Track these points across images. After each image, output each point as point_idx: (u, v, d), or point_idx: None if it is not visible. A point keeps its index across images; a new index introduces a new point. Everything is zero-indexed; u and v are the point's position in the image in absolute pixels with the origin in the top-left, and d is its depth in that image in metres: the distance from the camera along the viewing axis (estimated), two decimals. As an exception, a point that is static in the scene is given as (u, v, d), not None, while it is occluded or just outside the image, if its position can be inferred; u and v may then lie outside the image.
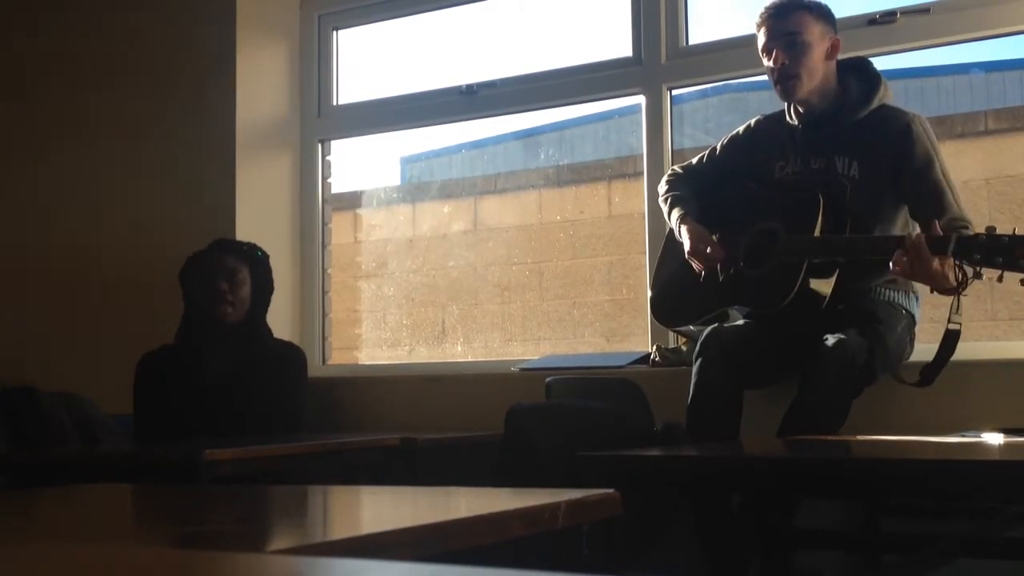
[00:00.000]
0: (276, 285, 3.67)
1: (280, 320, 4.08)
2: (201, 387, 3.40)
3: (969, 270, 2.53)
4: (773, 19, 3.01)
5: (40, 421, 3.26)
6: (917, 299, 3.01)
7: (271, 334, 3.57)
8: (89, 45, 4.49)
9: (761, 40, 3.03)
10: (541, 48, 4.48)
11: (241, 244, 3.63)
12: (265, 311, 3.56)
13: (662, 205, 3.25)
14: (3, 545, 1.25)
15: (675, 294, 3.19)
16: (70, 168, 4.47)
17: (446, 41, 4.59)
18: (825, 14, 3.03)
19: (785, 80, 2.98)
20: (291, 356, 3.55)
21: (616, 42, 3.93)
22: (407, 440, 3.23)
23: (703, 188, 3.22)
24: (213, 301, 3.43)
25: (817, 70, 2.98)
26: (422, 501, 1.66)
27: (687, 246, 3.06)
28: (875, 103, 2.98)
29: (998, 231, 2.49)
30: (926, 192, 2.88)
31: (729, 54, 3.71)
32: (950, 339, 2.68)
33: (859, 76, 3.03)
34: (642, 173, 3.79)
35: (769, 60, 3.01)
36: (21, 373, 3.63)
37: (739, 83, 4.12)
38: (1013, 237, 2.46)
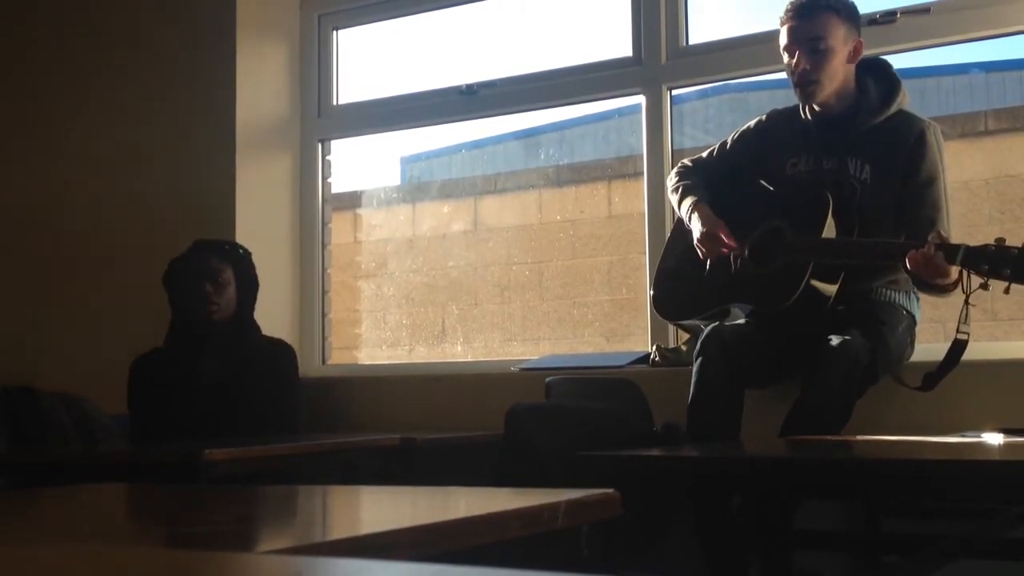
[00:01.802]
0: (276, 285, 3.67)
1: (280, 320, 4.08)
2: (195, 388, 3.39)
3: (975, 280, 2.54)
4: (798, 19, 2.96)
5: (40, 421, 3.27)
6: (917, 299, 3.01)
7: (259, 331, 3.56)
8: (89, 45, 4.49)
9: (784, 39, 2.99)
10: (541, 48, 4.48)
11: (222, 243, 3.61)
12: (252, 308, 3.55)
13: (671, 195, 3.24)
14: (2, 545, 1.25)
15: (678, 288, 3.19)
16: (70, 168, 4.47)
17: (446, 41, 4.59)
18: (851, 15, 2.98)
19: (805, 85, 2.95)
20: (282, 354, 3.54)
21: (616, 42, 3.93)
22: (407, 440, 3.23)
23: (712, 182, 3.21)
24: (199, 304, 3.41)
25: (838, 74, 2.95)
26: (422, 501, 1.66)
27: (698, 231, 3.04)
28: (893, 109, 2.97)
29: (1007, 243, 2.50)
30: (923, 207, 2.89)
31: (729, 54, 3.71)
32: (957, 349, 2.67)
33: (878, 79, 3.00)
34: (642, 173, 3.79)
35: (791, 60, 2.97)
36: (21, 373, 3.63)
37: (739, 83, 4.12)
38: (1021, 249, 2.46)
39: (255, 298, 3.56)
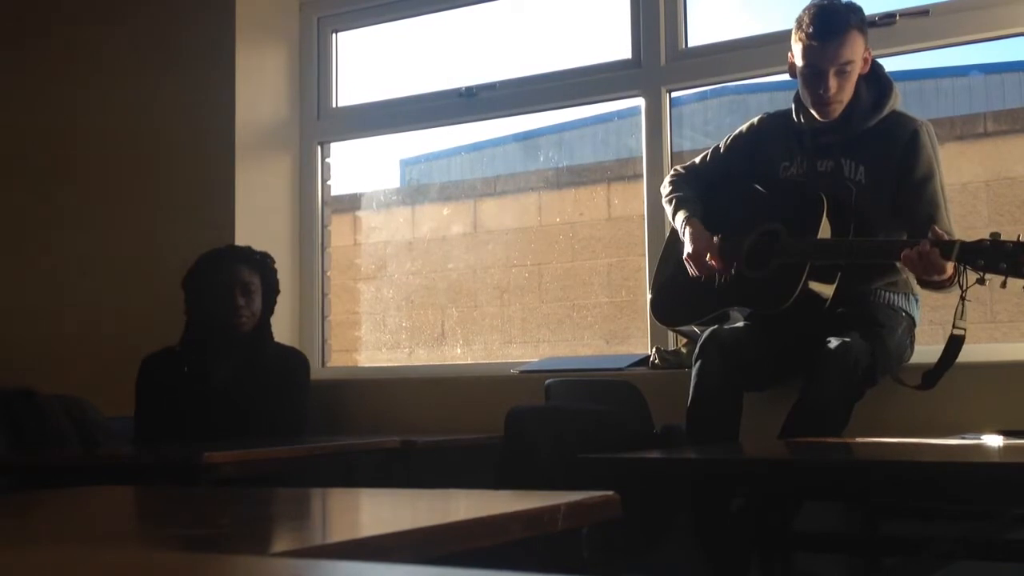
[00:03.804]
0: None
1: (280, 322, 4.07)
2: (206, 391, 3.39)
3: (972, 276, 2.54)
4: (829, 41, 2.87)
5: (40, 424, 3.26)
6: (916, 301, 3.02)
7: (272, 337, 3.57)
8: (88, 48, 4.49)
9: (808, 57, 2.90)
10: (540, 50, 4.49)
11: (254, 253, 3.59)
12: (271, 315, 3.56)
13: (665, 205, 3.24)
14: (2, 548, 1.25)
15: (676, 293, 3.19)
16: (69, 171, 4.47)
17: (445, 43, 4.59)
18: (866, 24, 2.95)
19: (828, 104, 2.93)
20: (296, 363, 3.55)
21: (615, 44, 3.93)
22: (407, 442, 3.23)
23: (706, 188, 3.21)
24: (230, 315, 3.42)
25: (853, 89, 2.95)
26: (422, 503, 1.66)
27: (688, 248, 3.05)
28: (886, 111, 2.97)
29: (1002, 237, 2.50)
30: (921, 204, 2.89)
31: (728, 56, 3.71)
32: (954, 344, 2.67)
33: (870, 81, 2.99)
34: (641, 175, 3.79)
35: (817, 82, 2.90)
36: (21, 376, 3.63)
37: (738, 85, 4.13)
38: (1017, 244, 2.47)
39: (275, 304, 3.57)
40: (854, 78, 2.93)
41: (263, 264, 3.55)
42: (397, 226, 5.04)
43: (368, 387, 4.03)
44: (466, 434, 3.46)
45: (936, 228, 2.65)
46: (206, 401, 3.37)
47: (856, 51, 2.91)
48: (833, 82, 2.90)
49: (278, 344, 3.58)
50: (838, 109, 2.95)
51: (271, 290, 3.55)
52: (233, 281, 3.44)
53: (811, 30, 2.90)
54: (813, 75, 2.92)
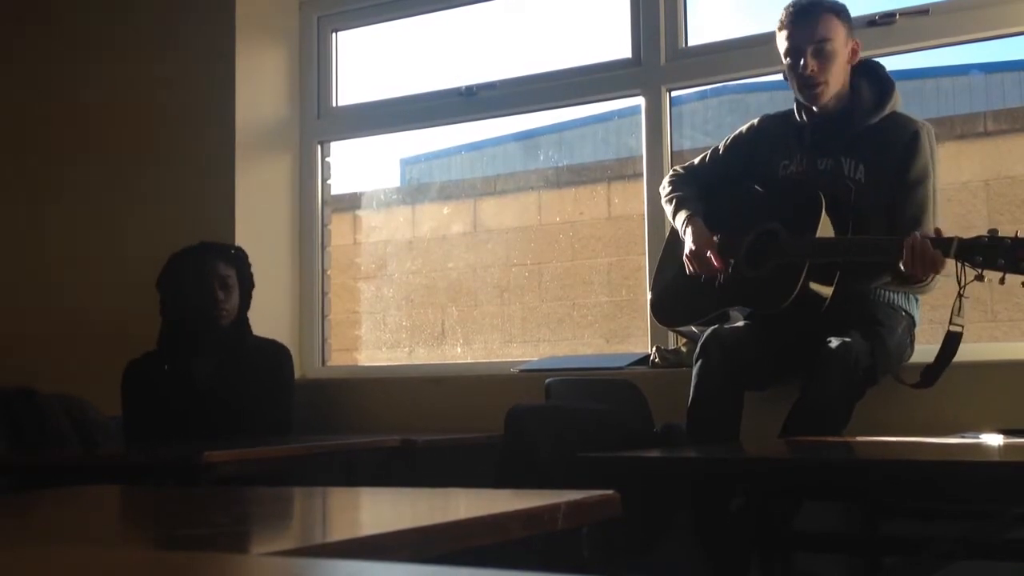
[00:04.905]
0: (275, 287, 3.66)
1: (279, 321, 4.08)
2: (192, 390, 3.39)
3: (971, 272, 2.55)
4: (802, 21, 2.97)
5: (39, 423, 3.26)
6: (916, 301, 3.02)
7: (251, 331, 3.57)
8: (87, 47, 4.49)
9: (787, 42, 2.99)
10: (540, 49, 4.49)
11: (228, 248, 3.62)
12: (247, 309, 3.57)
13: (665, 206, 3.24)
14: (2, 548, 1.25)
15: (675, 294, 3.19)
16: (69, 170, 4.47)
17: (445, 42, 4.59)
18: (848, 16, 3.00)
19: (814, 86, 2.96)
20: (281, 357, 3.55)
21: (615, 43, 3.93)
22: (407, 441, 3.23)
23: (705, 188, 3.21)
24: (210, 308, 3.42)
25: (840, 76, 2.97)
26: (422, 502, 1.66)
27: (688, 246, 3.05)
28: (887, 110, 2.98)
29: (1000, 233, 2.50)
30: (908, 206, 2.89)
31: (728, 55, 3.71)
32: (951, 341, 2.67)
33: (871, 80, 3.01)
34: (641, 174, 3.79)
35: (797, 63, 2.97)
36: (20, 375, 3.63)
37: (738, 84, 4.13)
38: (1015, 239, 2.47)
39: (251, 298, 3.58)
40: (836, 60, 2.95)
41: (238, 258, 3.57)
42: (397, 225, 5.04)
43: (368, 386, 4.03)
44: (466, 433, 3.46)
45: (934, 230, 2.66)
46: (192, 399, 3.38)
47: (832, 30, 2.95)
48: (811, 61, 2.94)
49: (258, 337, 3.58)
50: (826, 92, 2.97)
51: (247, 284, 3.56)
52: (212, 275, 3.45)
53: (786, 17, 3.00)
54: (792, 55, 2.98)
